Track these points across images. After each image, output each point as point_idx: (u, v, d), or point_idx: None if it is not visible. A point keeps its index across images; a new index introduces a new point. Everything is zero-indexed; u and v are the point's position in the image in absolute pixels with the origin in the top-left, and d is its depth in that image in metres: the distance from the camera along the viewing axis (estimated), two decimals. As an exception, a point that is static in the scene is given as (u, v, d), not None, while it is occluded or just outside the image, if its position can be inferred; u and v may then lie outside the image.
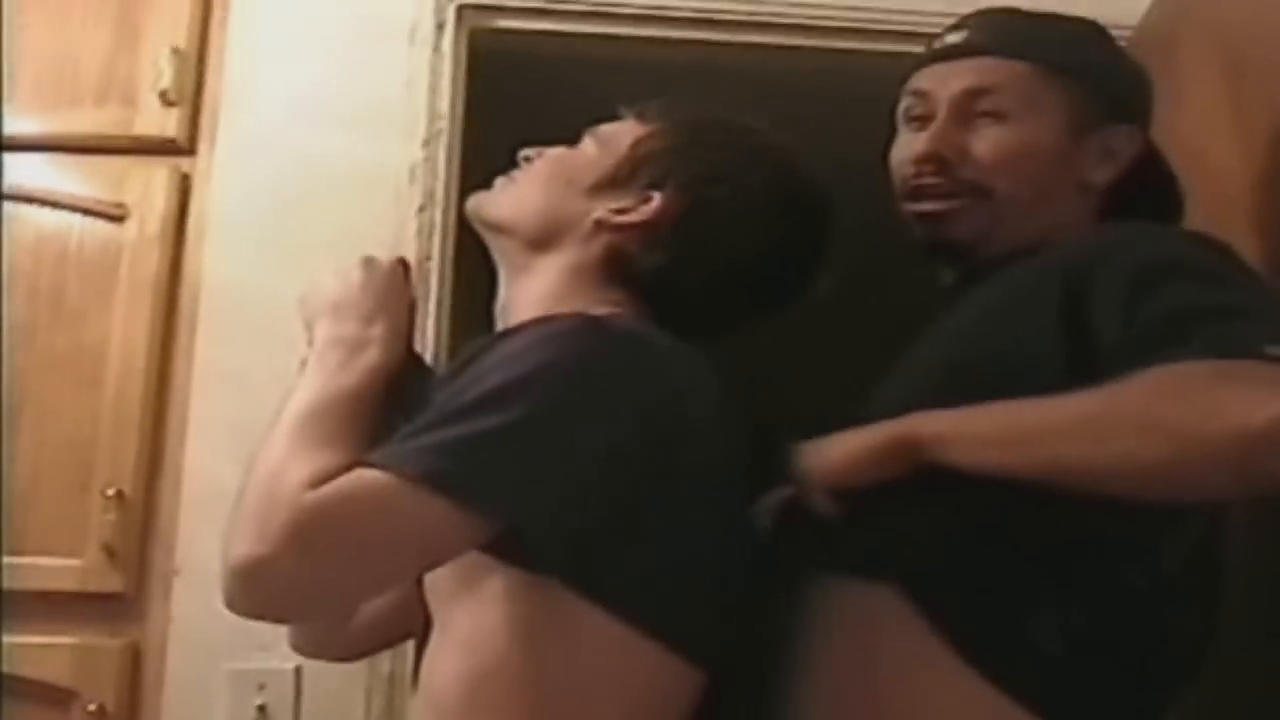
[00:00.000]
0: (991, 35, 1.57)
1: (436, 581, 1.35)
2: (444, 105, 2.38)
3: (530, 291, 1.44)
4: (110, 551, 2.13)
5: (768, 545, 1.37)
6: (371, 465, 1.20)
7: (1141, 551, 1.33)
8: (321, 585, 1.21)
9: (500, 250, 1.49)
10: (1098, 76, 1.55)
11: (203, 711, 2.11)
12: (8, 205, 2.30)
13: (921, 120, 1.56)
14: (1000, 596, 1.30)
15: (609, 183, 1.45)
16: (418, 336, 1.58)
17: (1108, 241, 1.42)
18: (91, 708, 2.07)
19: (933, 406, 1.31)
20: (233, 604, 1.21)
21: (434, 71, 2.39)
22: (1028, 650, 1.28)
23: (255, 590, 1.19)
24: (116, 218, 2.31)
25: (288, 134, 2.35)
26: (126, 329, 2.25)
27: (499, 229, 1.48)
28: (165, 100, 2.33)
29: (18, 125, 2.33)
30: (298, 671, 2.09)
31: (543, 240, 1.45)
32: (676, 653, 1.30)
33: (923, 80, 1.58)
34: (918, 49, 1.64)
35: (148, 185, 2.32)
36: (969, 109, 1.53)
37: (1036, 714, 1.26)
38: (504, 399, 1.21)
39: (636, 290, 1.42)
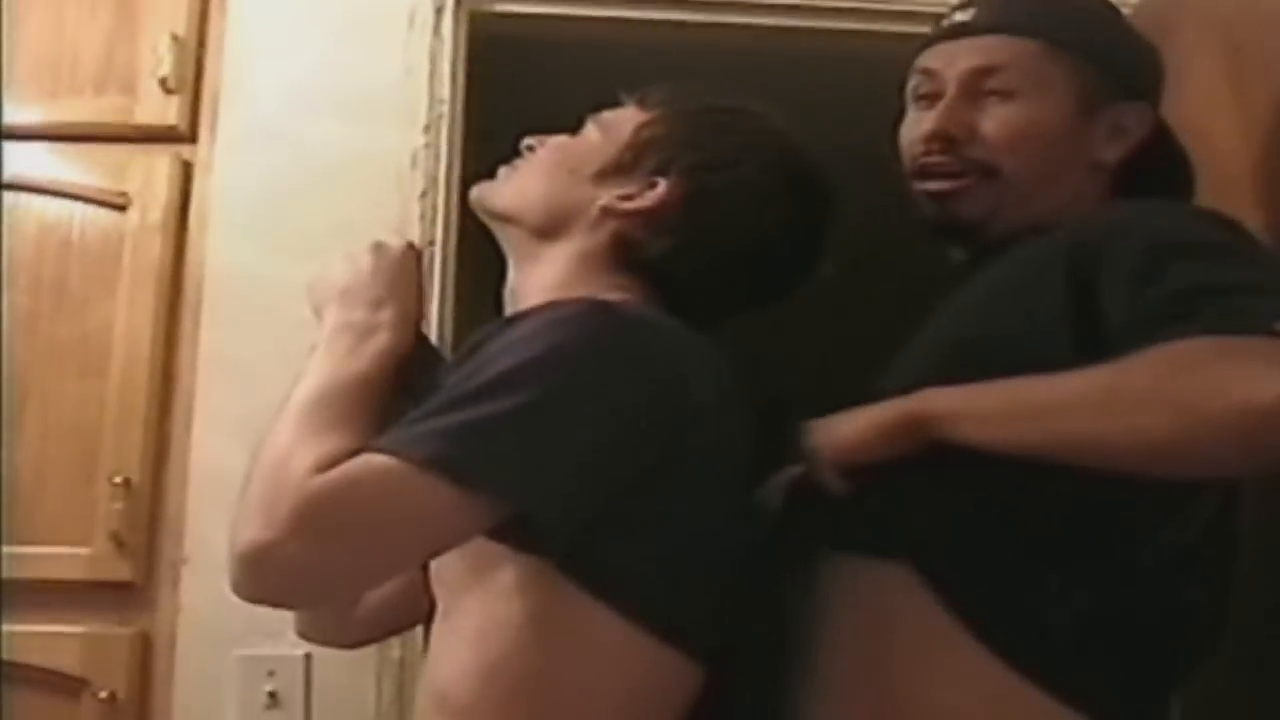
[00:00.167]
0: (1000, 13, 1.56)
1: (443, 571, 1.35)
2: (444, 90, 2.38)
3: (538, 279, 1.44)
4: (118, 540, 2.14)
5: (777, 524, 1.38)
6: (378, 450, 1.20)
7: (1150, 530, 1.33)
8: (328, 570, 1.21)
9: (507, 239, 1.49)
10: (1107, 54, 1.55)
11: (214, 699, 2.12)
12: (10, 195, 2.29)
13: (930, 99, 1.56)
14: (1009, 574, 1.31)
15: (613, 170, 1.45)
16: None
17: (1116, 219, 1.42)
18: (103, 696, 2.08)
19: (941, 384, 1.32)
20: (239, 589, 1.21)
21: (434, 56, 2.39)
22: (1037, 627, 1.29)
23: (261, 576, 1.19)
24: (118, 206, 2.30)
25: (288, 121, 2.35)
26: (130, 317, 2.25)
27: (505, 218, 1.48)
28: (165, 88, 2.32)
29: (18, 115, 2.32)
30: (308, 658, 2.10)
31: (549, 228, 1.45)
32: (679, 647, 1.30)
33: (931, 59, 1.58)
34: (924, 29, 1.64)
35: (149, 173, 2.32)
36: (977, 87, 1.52)
37: (1048, 690, 1.27)
38: (511, 383, 1.21)
39: (643, 276, 1.43)
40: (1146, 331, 1.24)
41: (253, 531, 1.18)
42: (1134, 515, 1.32)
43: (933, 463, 1.29)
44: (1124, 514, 1.31)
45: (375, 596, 1.58)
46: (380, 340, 1.37)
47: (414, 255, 1.49)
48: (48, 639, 2.11)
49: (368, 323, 1.38)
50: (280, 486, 1.19)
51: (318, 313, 1.43)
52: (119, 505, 2.14)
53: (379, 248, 1.47)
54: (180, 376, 2.26)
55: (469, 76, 2.43)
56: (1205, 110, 1.85)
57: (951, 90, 1.54)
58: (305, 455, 1.21)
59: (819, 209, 1.49)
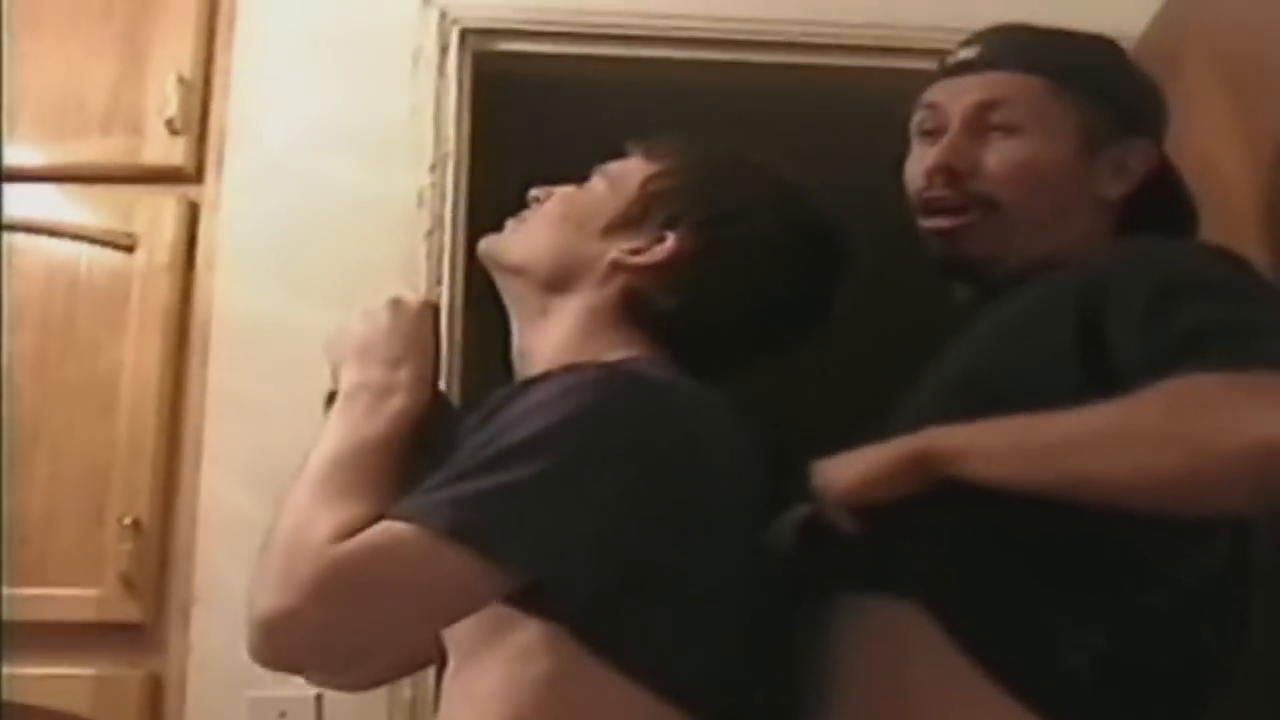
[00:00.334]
0: (1004, 50, 1.57)
1: (456, 630, 1.33)
2: (450, 129, 2.39)
3: (548, 336, 1.43)
4: (128, 581, 2.13)
5: (787, 564, 1.37)
6: (398, 518, 1.20)
7: (1163, 569, 1.33)
8: (347, 638, 1.20)
9: (514, 294, 1.48)
10: (1111, 91, 1.56)
11: (226, 740, 2.11)
12: (18, 236, 2.30)
13: (934, 134, 1.56)
14: (1022, 613, 1.30)
15: (621, 223, 1.44)
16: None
17: (1125, 257, 1.42)
18: (114, 738, 2.07)
19: (950, 421, 1.31)
20: (257, 655, 1.20)
21: (439, 96, 2.40)
22: (1052, 667, 1.28)
23: (281, 642, 1.19)
24: (126, 247, 2.31)
25: (294, 161, 2.36)
26: (138, 358, 2.25)
27: (514, 271, 1.48)
28: (171, 129, 2.33)
29: (24, 156, 2.33)
30: (319, 699, 2.09)
31: (558, 283, 1.44)
32: (693, 710, 1.28)
33: (935, 94, 1.59)
34: (930, 66, 1.64)
35: (156, 214, 2.32)
36: (981, 122, 1.53)
37: None
38: (528, 451, 1.21)
39: (652, 330, 1.42)
40: (1156, 369, 1.24)
41: (272, 598, 1.18)
42: (1147, 554, 1.31)
43: (943, 501, 1.28)
44: (1137, 553, 1.31)
45: None
46: (397, 401, 1.37)
47: (431, 311, 1.49)
48: (58, 681, 2.10)
49: (385, 383, 1.38)
50: (300, 553, 1.19)
51: (335, 370, 1.43)
52: (128, 546, 2.14)
53: (396, 304, 1.46)
54: (188, 416, 2.26)
55: (474, 116, 2.44)
56: (1210, 142, 1.86)
57: (955, 125, 1.54)
58: (325, 522, 1.21)
59: (829, 262, 1.48)
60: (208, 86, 2.39)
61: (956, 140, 1.53)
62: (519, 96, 2.54)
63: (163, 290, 2.29)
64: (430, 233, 2.34)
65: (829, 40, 2.44)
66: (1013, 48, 1.58)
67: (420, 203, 2.35)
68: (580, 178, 1.51)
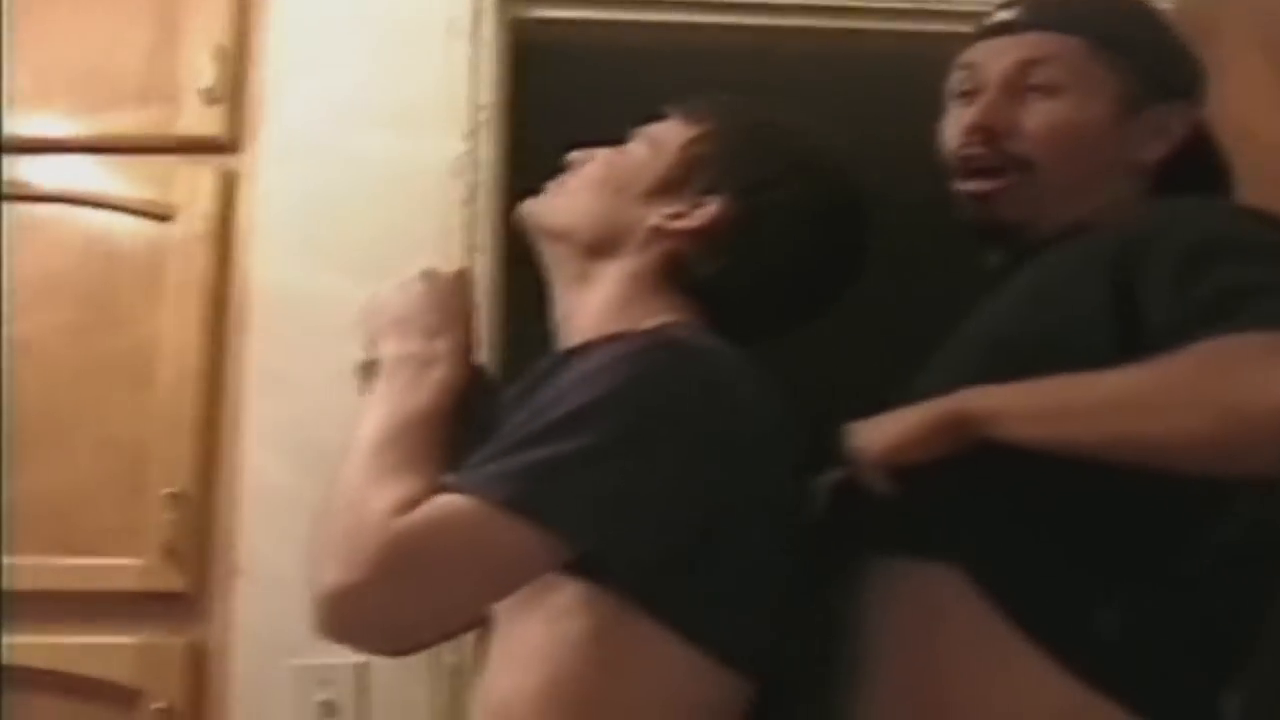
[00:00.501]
0: (1043, 11, 1.55)
1: None
2: (484, 97, 2.38)
3: (589, 302, 1.44)
4: (170, 551, 2.15)
5: (821, 526, 1.37)
6: (456, 490, 1.22)
7: (1195, 533, 1.32)
8: (412, 610, 1.23)
9: (555, 258, 1.48)
10: (1150, 53, 1.54)
11: (269, 708, 2.12)
12: (54, 208, 2.31)
13: (970, 95, 1.55)
14: (1057, 575, 1.30)
15: (662, 188, 1.44)
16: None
17: (1160, 218, 1.41)
18: (158, 707, 2.09)
19: (983, 383, 1.31)
20: (325, 631, 1.22)
21: (473, 63, 2.39)
22: (1086, 631, 1.28)
23: (348, 617, 1.22)
24: (163, 217, 2.32)
25: (330, 130, 2.35)
26: (176, 329, 2.26)
27: (555, 236, 1.48)
28: (207, 99, 2.33)
29: (60, 127, 2.35)
30: (362, 667, 2.10)
31: (600, 248, 1.44)
32: (737, 669, 1.30)
33: (973, 55, 1.57)
34: (968, 29, 1.62)
35: (193, 184, 2.33)
36: (1020, 82, 1.51)
37: (1099, 691, 1.26)
38: (582, 422, 1.22)
39: (692, 296, 1.43)
40: (1189, 330, 1.23)
41: (337, 574, 1.20)
42: (1179, 517, 1.31)
43: (979, 463, 1.28)
44: (1169, 516, 1.30)
45: None
46: (439, 372, 1.38)
47: (466, 281, 1.50)
48: (102, 650, 2.13)
49: (425, 354, 1.39)
50: (361, 529, 1.21)
51: (372, 343, 1.44)
52: (170, 516, 2.15)
53: (431, 275, 1.48)
54: (227, 387, 2.26)
55: (509, 82, 2.43)
56: (1250, 109, 1.85)
57: (993, 85, 1.53)
58: (383, 497, 1.22)
59: (865, 225, 1.48)
60: (243, 56, 2.39)
61: (995, 100, 1.52)
62: (552, 63, 2.53)
63: (200, 261, 2.29)
64: (466, 201, 2.33)
65: (867, 4, 2.42)
66: (1051, 9, 1.56)
67: (456, 171, 2.34)
68: (617, 143, 1.51)
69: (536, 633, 1.28)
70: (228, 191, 2.34)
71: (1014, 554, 1.31)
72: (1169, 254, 1.31)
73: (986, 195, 1.51)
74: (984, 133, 1.51)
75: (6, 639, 2.05)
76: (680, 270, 1.43)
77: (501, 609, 1.34)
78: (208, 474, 2.22)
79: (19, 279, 2.25)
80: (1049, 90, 1.51)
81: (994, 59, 1.54)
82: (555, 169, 1.51)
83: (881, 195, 1.51)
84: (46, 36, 2.37)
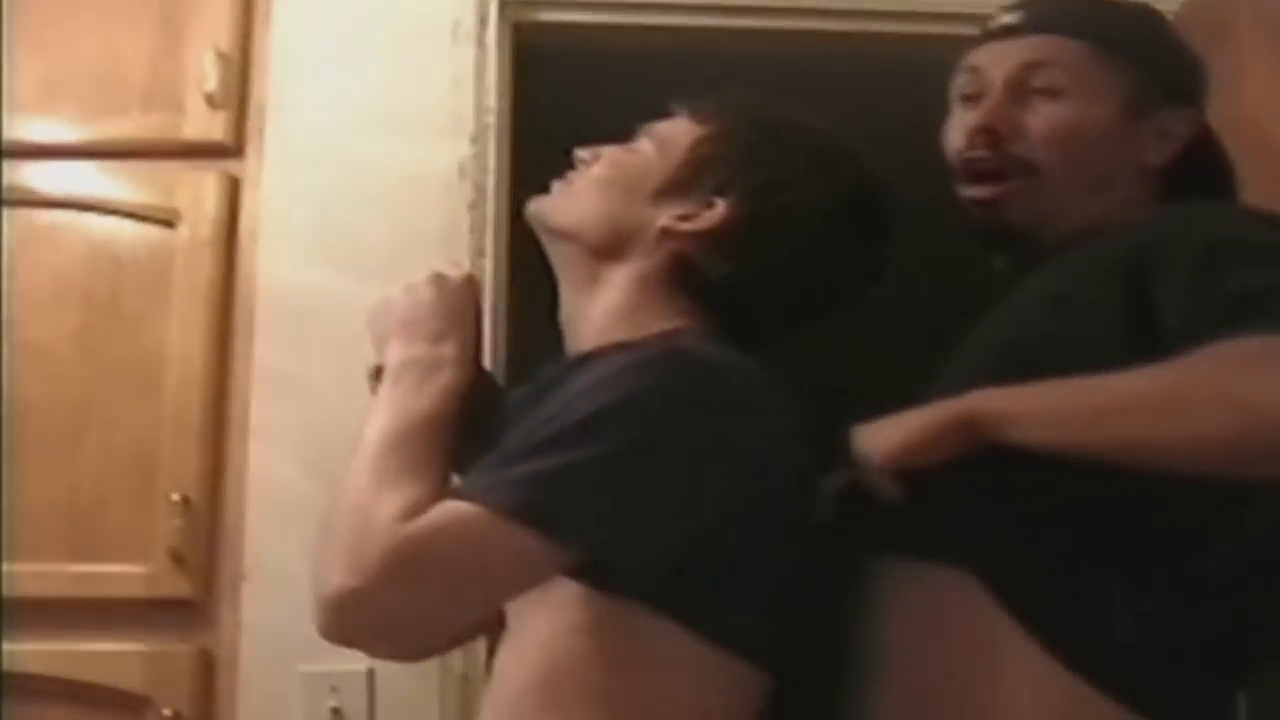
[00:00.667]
0: (1047, 14, 1.55)
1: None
2: (491, 100, 2.38)
3: (598, 304, 1.43)
4: (178, 557, 2.14)
5: (828, 529, 1.36)
6: (462, 497, 1.22)
7: (1211, 536, 1.32)
8: (417, 616, 1.23)
9: (563, 257, 1.47)
10: (1154, 57, 1.54)
11: (278, 714, 2.12)
12: (59, 213, 2.31)
13: (974, 99, 1.54)
14: (1070, 579, 1.29)
15: (671, 188, 1.43)
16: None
17: (1173, 221, 1.40)
18: (166, 713, 2.08)
19: (993, 385, 1.30)
20: (329, 634, 1.23)
21: (479, 67, 2.39)
22: (1100, 635, 1.28)
23: (352, 621, 1.22)
24: (168, 223, 2.31)
25: (335, 134, 2.35)
26: (183, 334, 2.26)
27: (563, 236, 1.47)
28: (211, 103, 2.32)
29: (64, 133, 2.35)
30: (371, 673, 2.10)
31: (609, 250, 1.44)
32: (750, 661, 1.30)
33: (977, 57, 1.57)
34: (974, 31, 1.62)
35: (197, 189, 2.32)
36: (1024, 85, 1.51)
37: (1111, 696, 1.26)
38: (591, 430, 1.22)
39: (701, 298, 1.42)
40: (1203, 333, 1.23)
41: (341, 578, 1.20)
42: (1194, 519, 1.30)
43: (988, 466, 1.27)
44: (1184, 518, 1.30)
45: None
46: (444, 376, 1.37)
47: (473, 286, 1.49)
48: (110, 657, 2.12)
49: (431, 358, 1.39)
50: (366, 534, 1.21)
51: (379, 346, 1.44)
52: (178, 522, 2.15)
53: (439, 279, 1.47)
54: (234, 392, 2.26)
55: (515, 86, 2.43)
56: (1263, 111, 1.84)
57: (997, 88, 1.52)
58: (388, 502, 1.22)
59: (881, 227, 1.47)
60: (247, 60, 2.38)
61: (999, 102, 1.52)
62: (559, 66, 2.53)
63: (206, 266, 2.29)
64: (473, 205, 2.33)
65: (872, 7, 2.42)
66: (1056, 12, 1.56)
67: (462, 175, 2.34)
68: (624, 141, 1.50)
69: (541, 627, 1.29)
70: (232, 196, 2.33)
71: (1024, 557, 1.31)
72: (1183, 257, 1.31)
73: (992, 200, 1.51)
74: (988, 136, 1.51)
75: (14, 646, 2.04)
76: (689, 273, 1.42)
77: (511, 605, 1.34)
78: (215, 479, 2.21)
79: (24, 284, 2.25)
80: (1053, 93, 1.50)
81: (997, 62, 1.54)
82: (562, 172, 1.51)
83: (897, 207, 1.49)
84: (51, 42, 2.37)
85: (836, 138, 1.48)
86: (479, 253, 2.30)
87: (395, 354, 1.40)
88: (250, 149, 2.36)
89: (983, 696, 1.30)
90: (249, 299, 2.30)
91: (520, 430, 1.26)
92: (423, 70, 2.38)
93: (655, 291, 1.42)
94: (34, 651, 2.07)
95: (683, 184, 1.43)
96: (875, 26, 2.44)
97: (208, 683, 2.14)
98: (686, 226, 1.41)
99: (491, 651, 1.40)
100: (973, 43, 1.59)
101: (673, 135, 1.47)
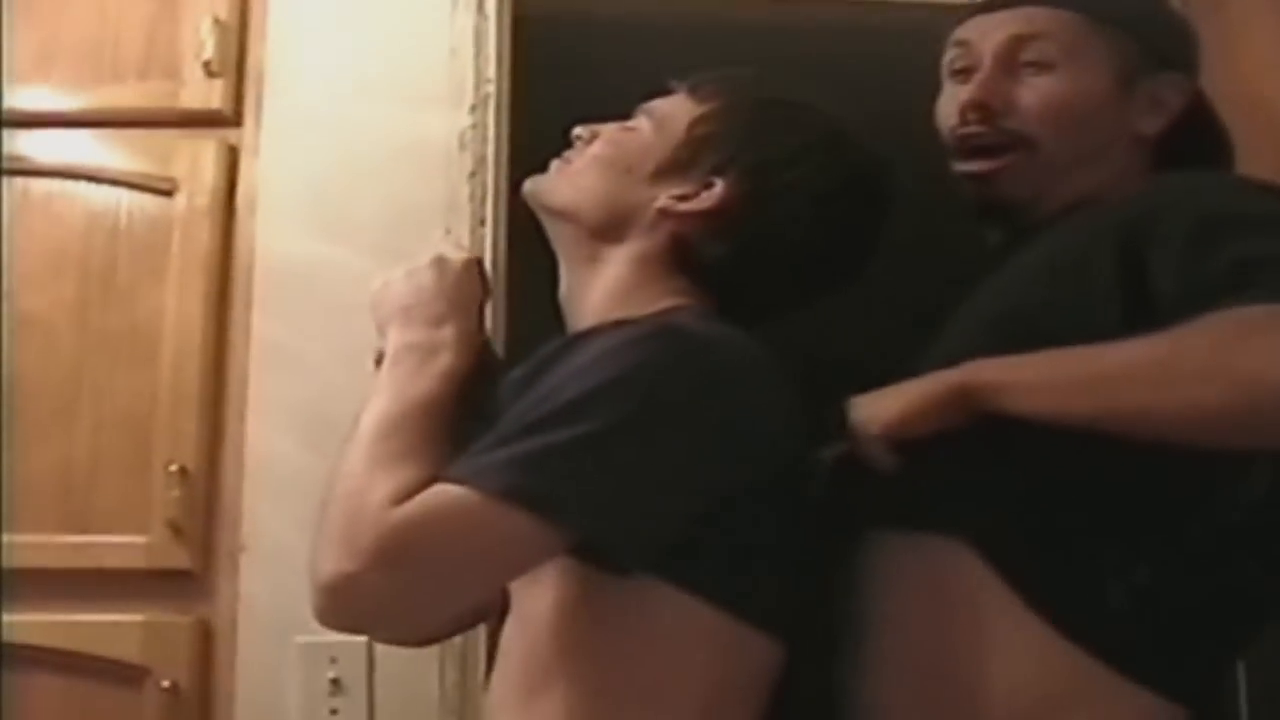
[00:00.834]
0: None
1: None
2: (490, 70, 2.36)
3: (597, 283, 1.43)
4: (175, 528, 2.14)
5: (822, 500, 1.36)
6: (454, 480, 1.21)
7: (1206, 504, 1.32)
8: (410, 600, 1.23)
9: (562, 237, 1.47)
10: (1143, 25, 1.54)
11: (276, 685, 2.12)
12: (56, 183, 2.30)
13: (965, 73, 1.54)
14: (1066, 548, 1.30)
15: (669, 168, 1.43)
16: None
17: (1168, 190, 1.40)
18: (165, 684, 2.08)
19: (988, 356, 1.31)
20: (324, 619, 1.23)
21: (479, 36, 2.37)
22: (1096, 604, 1.28)
23: (346, 606, 1.22)
24: (165, 192, 2.30)
25: (334, 103, 2.34)
26: (180, 304, 2.25)
27: (561, 215, 1.47)
28: (209, 71, 2.31)
29: (61, 101, 2.33)
30: (369, 644, 2.10)
31: (608, 230, 1.43)
32: (762, 630, 1.30)
33: (967, 31, 1.56)
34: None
35: (195, 158, 2.31)
36: (1014, 58, 1.51)
37: (1108, 665, 1.26)
38: (582, 410, 1.21)
39: (700, 278, 1.42)
40: (1200, 302, 1.23)
41: (335, 563, 1.20)
42: (1189, 488, 1.30)
43: (984, 436, 1.27)
44: (1178, 487, 1.30)
45: None
46: (443, 360, 1.37)
47: (476, 269, 1.49)
48: (108, 628, 2.12)
49: (431, 342, 1.39)
50: (359, 518, 1.21)
51: (380, 329, 1.44)
52: (175, 493, 2.14)
53: (441, 262, 1.47)
54: (232, 362, 2.25)
55: (514, 55, 2.41)
56: (1261, 77, 1.84)
57: (988, 62, 1.52)
58: (382, 486, 1.22)
59: (879, 206, 1.47)
60: (244, 29, 2.37)
61: (990, 77, 1.51)
62: (559, 35, 2.52)
63: (203, 235, 2.28)
64: (472, 174, 2.32)
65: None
66: None
67: (462, 145, 2.33)
68: (623, 116, 1.49)
69: (550, 604, 1.28)
70: (230, 165, 2.32)
71: (1019, 527, 1.31)
72: (1179, 226, 1.31)
73: (988, 174, 1.51)
74: (981, 110, 1.51)
75: (12, 617, 2.04)
76: (687, 252, 1.42)
77: (514, 583, 1.33)
78: (212, 450, 2.21)
79: (21, 254, 2.24)
80: (1043, 66, 1.50)
81: (987, 35, 1.54)
82: (562, 141, 1.50)
83: (896, 186, 1.49)
84: (47, 10, 2.35)
85: (836, 118, 1.47)
86: (479, 223, 2.29)
87: (395, 338, 1.40)
88: (248, 118, 2.35)
89: (979, 666, 1.30)
90: (247, 269, 2.29)
91: (514, 411, 1.26)
92: (422, 39, 2.37)
93: (654, 271, 1.42)
94: (32, 622, 2.07)
95: (681, 164, 1.43)
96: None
97: (206, 653, 2.14)
98: (685, 206, 1.41)
99: (493, 632, 1.40)
100: (961, 16, 1.59)
101: (671, 114, 1.46)
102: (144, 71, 2.34)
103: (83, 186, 2.31)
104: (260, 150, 2.33)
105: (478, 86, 2.35)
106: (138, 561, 2.15)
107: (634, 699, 1.27)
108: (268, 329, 2.25)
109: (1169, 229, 1.31)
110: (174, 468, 2.15)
